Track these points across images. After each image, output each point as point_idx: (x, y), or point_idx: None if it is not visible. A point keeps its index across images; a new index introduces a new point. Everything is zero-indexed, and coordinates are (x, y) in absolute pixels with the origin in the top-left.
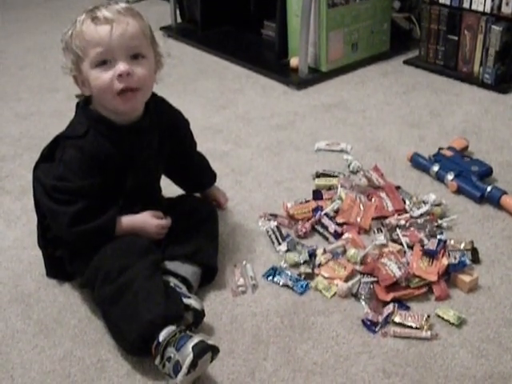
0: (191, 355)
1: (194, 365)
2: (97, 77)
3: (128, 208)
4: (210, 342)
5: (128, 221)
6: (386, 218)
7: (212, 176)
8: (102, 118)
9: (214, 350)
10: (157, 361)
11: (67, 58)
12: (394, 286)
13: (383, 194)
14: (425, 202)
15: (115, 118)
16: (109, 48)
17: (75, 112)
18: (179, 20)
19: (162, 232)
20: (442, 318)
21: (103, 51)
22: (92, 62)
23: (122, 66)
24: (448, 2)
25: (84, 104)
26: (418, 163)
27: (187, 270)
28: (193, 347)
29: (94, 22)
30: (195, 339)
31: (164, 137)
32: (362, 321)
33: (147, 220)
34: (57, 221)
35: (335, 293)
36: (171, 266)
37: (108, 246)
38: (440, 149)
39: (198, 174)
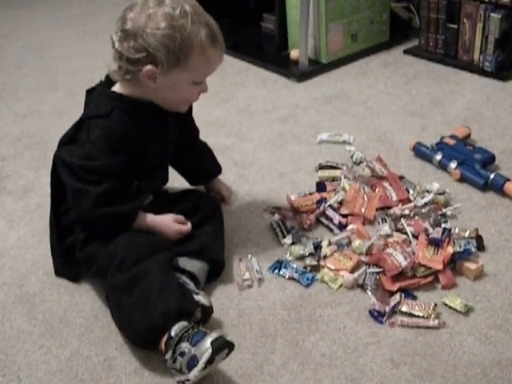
0: (210, 350)
1: (211, 360)
2: (189, 92)
3: (140, 195)
4: (228, 338)
5: (151, 218)
6: (390, 208)
7: (216, 166)
8: (125, 97)
9: (231, 347)
10: (168, 355)
11: (160, 51)
12: (400, 275)
13: (387, 184)
14: (428, 191)
15: (137, 98)
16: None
17: (87, 97)
18: None
19: (179, 237)
20: (449, 307)
21: (207, 75)
22: (195, 79)
23: (207, 87)
24: None
25: (104, 87)
26: (420, 152)
27: (195, 266)
28: (212, 342)
29: (213, 45)
30: (214, 334)
31: (173, 115)
32: (369, 311)
33: (169, 224)
34: (82, 200)
35: (341, 284)
36: (179, 262)
37: (125, 236)
38: (442, 137)
39: (202, 162)
